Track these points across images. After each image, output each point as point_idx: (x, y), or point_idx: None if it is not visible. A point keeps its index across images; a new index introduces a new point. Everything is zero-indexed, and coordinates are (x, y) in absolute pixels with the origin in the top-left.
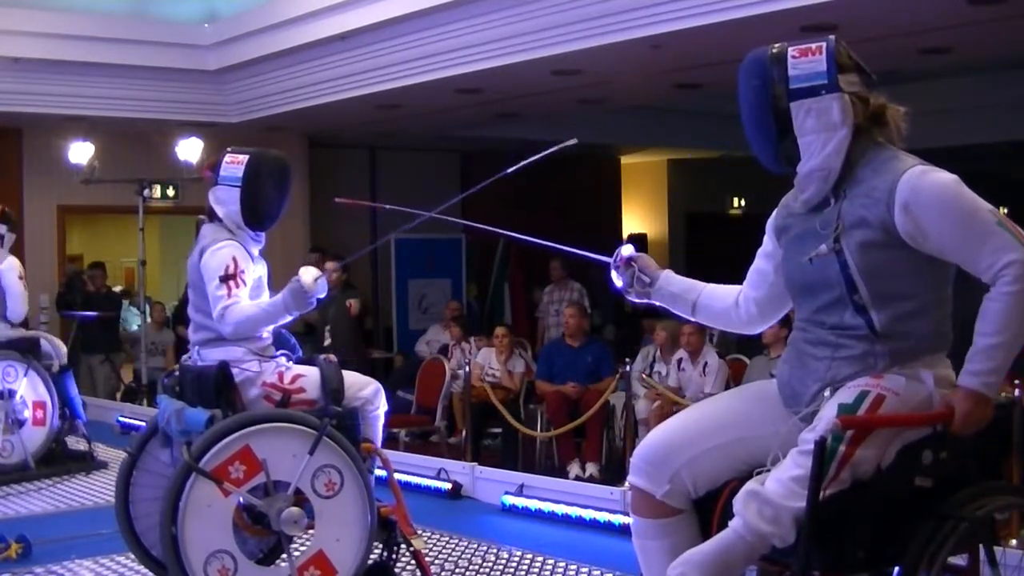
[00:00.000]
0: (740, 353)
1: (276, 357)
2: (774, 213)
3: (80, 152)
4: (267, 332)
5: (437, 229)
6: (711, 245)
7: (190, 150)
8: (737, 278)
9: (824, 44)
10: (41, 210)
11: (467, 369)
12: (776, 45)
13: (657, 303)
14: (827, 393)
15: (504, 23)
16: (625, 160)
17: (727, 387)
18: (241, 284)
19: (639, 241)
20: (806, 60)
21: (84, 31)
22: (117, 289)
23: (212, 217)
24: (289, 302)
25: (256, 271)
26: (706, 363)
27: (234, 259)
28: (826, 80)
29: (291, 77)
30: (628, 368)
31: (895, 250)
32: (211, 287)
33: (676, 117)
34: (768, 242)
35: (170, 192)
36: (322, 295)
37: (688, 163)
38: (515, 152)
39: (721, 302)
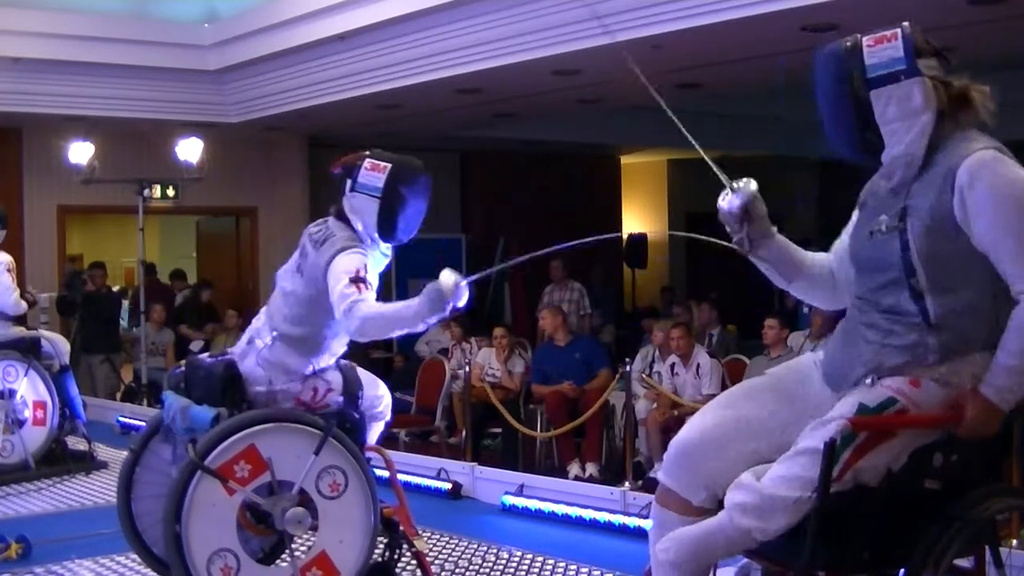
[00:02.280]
0: (740, 353)
1: (322, 373)
2: (865, 187)
3: (80, 152)
4: (332, 359)
5: (437, 229)
6: (711, 245)
7: (190, 150)
8: (737, 277)
9: (899, 30)
10: (41, 210)
11: (467, 369)
12: (850, 37)
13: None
14: (868, 380)
15: (504, 23)
16: (625, 160)
17: (724, 387)
18: (367, 287)
19: (639, 241)
20: (882, 47)
21: (84, 31)
22: (116, 289)
23: (340, 215)
24: (425, 308)
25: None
26: (698, 364)
27: (365, 265)
28: (905, 65)
29: (291, 77)
30: (628, 368)
31: (957, 239)
32: (340, 285)
33: (676, 117)
34: (853, 218)
35: (170, 192)
36: (461, 304)
37: (688, 163)
38: (516, 152)
39: (820, 270)
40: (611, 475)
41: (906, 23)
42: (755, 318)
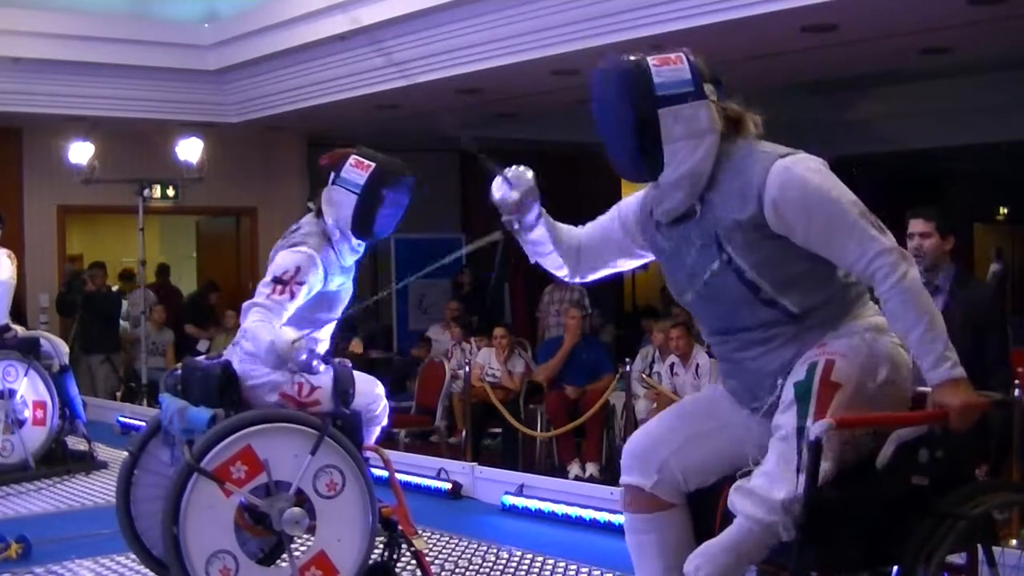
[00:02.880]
0: None
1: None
2: (636, 203)
3: (80, 152)
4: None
5: (437, 229)
6: None
7: (190, 150)
8: None
9: (682, 54)
10: (41, 210)
11: (467, 369)
12: (631, 56)
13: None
14: (780, 380)
15: (504, 23)
16: None
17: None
18: (288, 293)
19: None
20: (669, 68)
21: (84, 31)
22: (115, 288)
23: (318, 214)
24: (267, 358)
25: (330, 286)
26: (698, 364)
27: (298, 268)
28: (692, 87)
29: (291, 77)
30: (628, 368)
31: (777, 239)
32: (263, 280)
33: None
34: (626, 218)
35: (170, 192)
36: (302, 365)
37: None
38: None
39: (567, 247)
40: (611, 475)
41: (686, 49)
42: None
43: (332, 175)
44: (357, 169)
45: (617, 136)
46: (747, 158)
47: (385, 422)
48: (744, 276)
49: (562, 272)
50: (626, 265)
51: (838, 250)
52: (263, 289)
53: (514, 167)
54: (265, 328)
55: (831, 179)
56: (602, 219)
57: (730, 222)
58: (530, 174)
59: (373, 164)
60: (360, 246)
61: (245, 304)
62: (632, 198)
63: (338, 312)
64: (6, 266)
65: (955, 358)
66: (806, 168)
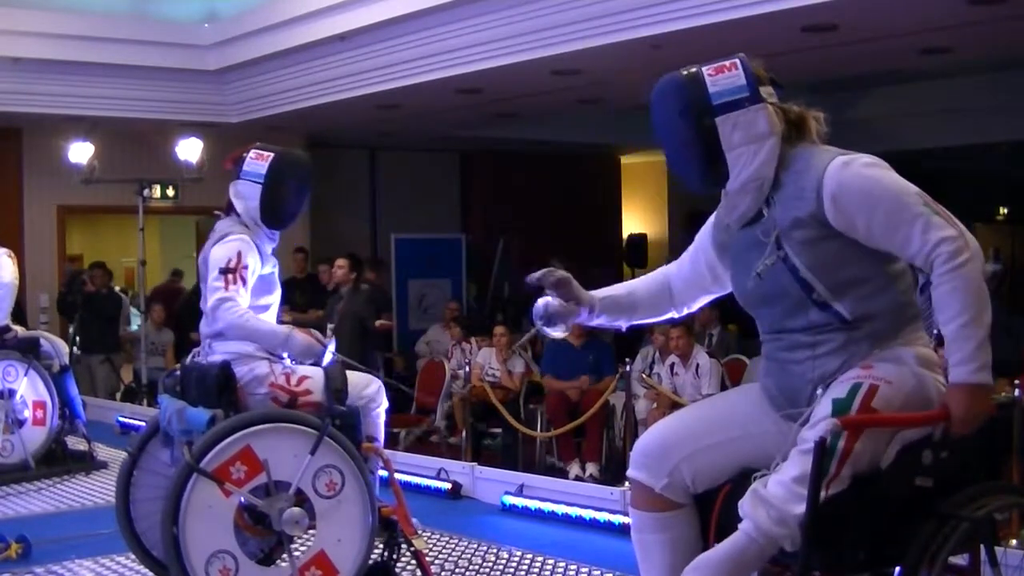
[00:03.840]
0: (740, 353)
1: (283, 358)
2: (710, 225)
3: (80, 152)
4: None
5: (437, 229)
6: None
7: (190, 150)
8: None
9: (737, 60)
10: (41, 210)
11: (467, 369)
12: (687, 68)
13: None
14: (819, 391)
15: (504, 23)
16: (625, 160)
17: (724, 387)
18: (240, 281)
19: (639, 241)
20: (724, 76)
21: (84, 31)
22: (118, 289)
23: (229, 211)
24: (292, 347)
25: (265, 269)
26: (698, 365)
27: (239, 253)
28: (748, 92)
29: (291, 77)
30: (628, 368)
31: (835, 240)
32: (210, 277)
33: None
34: (704, 245)
35: (170, 192)
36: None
37: None
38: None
39: (651, 303)
40: (611, 475)
41: (741, 54)
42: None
43: (236, 170)
44: (257, 161)
45: (680, 150)
46: (809, 159)
47: (383, 416)
48: (798, 274)
49: (665, 317)
50: (722, 289)
51: (902, 240)
52: (215, 284)
53: (538, 312)
54: (258, 320)
55: (891, 173)
56: (687, 251)
57: (790, 220)
58: (551, 303)
59: (272, 153)
60: (274, 235)
61: (210, 305)
62: (706, 224)
63: (276, 297)
64: (8, 267)
65: (985, 361)
66: (864, 164)
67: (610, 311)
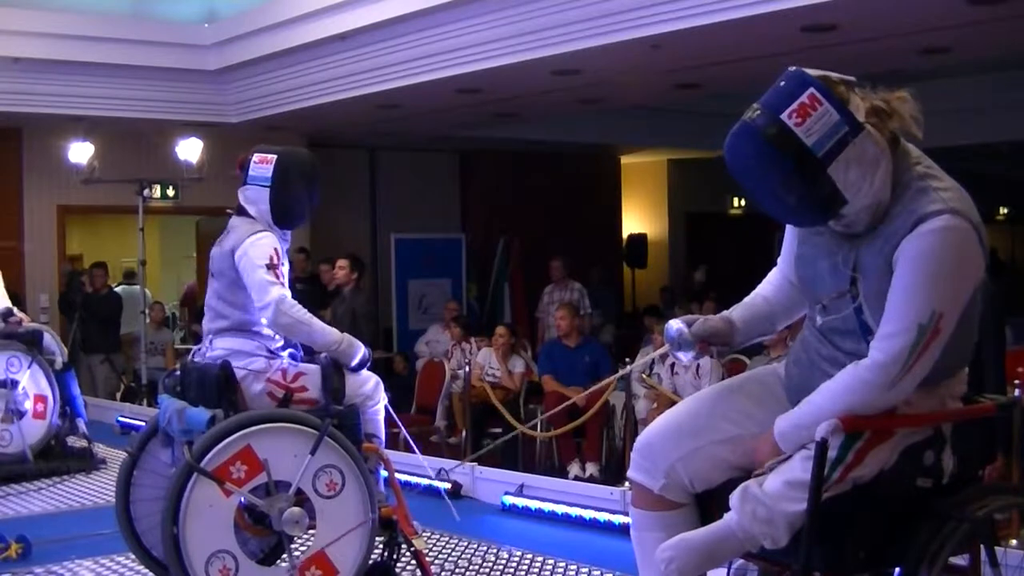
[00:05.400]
0: (740, 353)
1: (281, 356)
2: (792, 242)
3: (80, 152)
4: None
5: (437, 229)
6: (711, 245)
7: (190, 150)
8: (736, 277)
9: (816, 93)
10: (41, 210)
11: (467, 369)
12: (761, 120)
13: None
14: None
15: (504, 23)
16: (625, 160)
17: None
18: (282, 276)
19: (639, 241)
20: (813, 119)
21: (84, 31)
22: (119, 290)
23: (241, 212)
24: (342, 345)
25: (284, 268)
26: (698, 365)
27: (276, 251)
28: (847, 126)
29: (291, 77)
30: (628, 368)
31: None
32: (257, 274)
33: (676, 117)
34: (788, 268)
35: (170, 192)
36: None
37: (688, 163)
38: (516, 152)
39: (788, 301)
40: (611, 475)
41: (807, 75)
42: None
43: (243, 177)
44: (262, 164)
45: (786, 204)
46: (918, 196)
47: (382, 413)
48: (861, 314)
49: (798, 317)
50: None
51: (884, 317)
52: (267, 278)
53: (671, 335)
54: (313, 319)
55: (959, 253)
56: (775, 270)
57: (870, 262)
58: (684, 331)
59: (275, 156)
60: (287, 235)
61: (264, 303)
62: (786, 240)
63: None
64: None
65: (795, 438)
66: (946, 232)
67: (751, 328)
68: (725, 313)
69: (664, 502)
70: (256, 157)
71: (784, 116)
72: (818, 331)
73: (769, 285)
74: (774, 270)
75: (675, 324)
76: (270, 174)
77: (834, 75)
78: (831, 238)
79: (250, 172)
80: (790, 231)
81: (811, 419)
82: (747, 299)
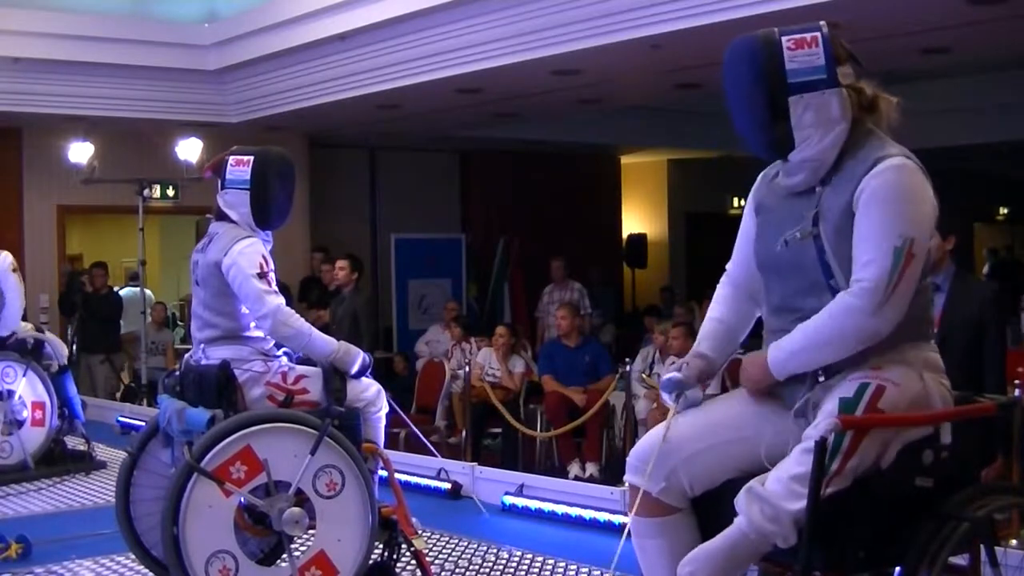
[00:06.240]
0: (740, 353)
1: (278, 357)
2: (755, 187)
3: (80, 152)
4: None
5: (437, 229)
6: (711, 245)
7: (190, 150)
8: None
9: (819, 35)
10: (41, 210)
11: (467, 369)
12: (765, 32)
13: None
14: (821, 377)
15: (504, 23)
16: (625, 160)
17: (724, 387)
18: (273, 283)
19: (639, 241)
20: (803, 53)
21: (84, 31)
22: (120, 291)
23: (221, 216)
24: (339, 353)
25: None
26: None
27: (264, 257)
28: (825, 75)
29: (291, 77)
30: (628, 368)
31: None
32: (249, 284)
33: (676, 117)
34: (749, 221)
35: (170, 192)
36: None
37: (688, 163)
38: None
39: (740, 315)
40: (611, 475)
41: (822, 24)
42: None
43: (219, 181)
44: (239, 167)
45: (747, 115)
46: (870, 150)
47: (384, 418)
48: (823, 256)
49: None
50: None
51: (860, 241)
52: (261, 288)
53: (667, 388)
54: (311, 328)
55: (920, 184)
56: (721, 285)
57: (834, 205)
58: (675, 378)
59: (252, 157)
60: (269, 236)
61: (263, 312)
62: (748, 200)
63: None
64: (12, 279)
65: (786, 366)
66: (902, 169)
67: (721, 351)
68: (695, 351)
69: (662, 507)
70: (232, 160)
71: (785, 38)
72: (777, 310)
73: (718, 305)
74: (719, 287)
75: (670, 375)
76: (248, 176)
77: (848, 46)
78: (789, 204)
79: (228, 176)
80: (745, 216)
81: (802, 345)
82: (703, 329)
